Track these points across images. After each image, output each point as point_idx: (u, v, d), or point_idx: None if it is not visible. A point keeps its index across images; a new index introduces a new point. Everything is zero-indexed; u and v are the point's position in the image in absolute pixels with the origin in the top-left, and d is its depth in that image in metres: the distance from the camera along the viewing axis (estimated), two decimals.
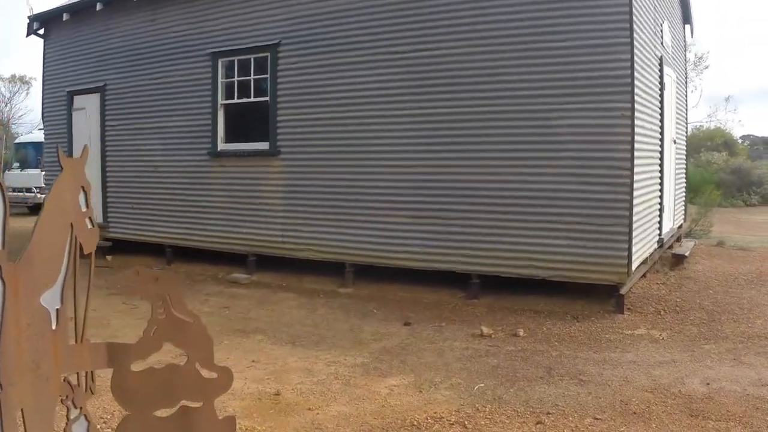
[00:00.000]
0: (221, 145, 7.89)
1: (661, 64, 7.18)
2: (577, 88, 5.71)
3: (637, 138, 5.73)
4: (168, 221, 8.48)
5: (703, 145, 21.46)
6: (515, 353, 4.64)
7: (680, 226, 9.41)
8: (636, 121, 5.68)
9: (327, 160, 6.97)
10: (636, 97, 5.70)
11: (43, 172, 11.90)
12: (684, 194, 10.13)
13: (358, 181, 6.78)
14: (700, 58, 22.11)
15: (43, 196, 12.51)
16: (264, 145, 7.45)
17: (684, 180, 10.20)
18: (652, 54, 6.77)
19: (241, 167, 7.68)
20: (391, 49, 6.55)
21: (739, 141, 26.93)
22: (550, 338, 5.03)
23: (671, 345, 4.92)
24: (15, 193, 16.62)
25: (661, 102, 7.25)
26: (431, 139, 6.37)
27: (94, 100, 9.46)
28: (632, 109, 5.60)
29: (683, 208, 10.02)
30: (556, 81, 5.78)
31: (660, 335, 5.15)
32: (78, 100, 9.77)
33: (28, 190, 15.47)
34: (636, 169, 5.72)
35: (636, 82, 5.69)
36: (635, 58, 5.66)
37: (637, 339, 5.04)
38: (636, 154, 5.73)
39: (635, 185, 5.75)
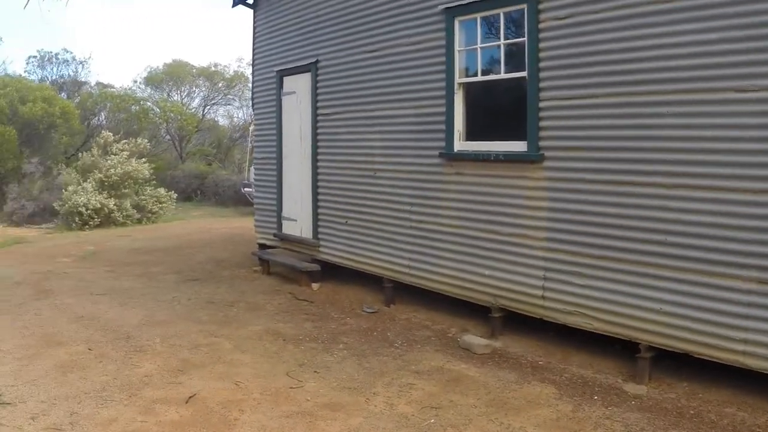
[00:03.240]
0: (459, 144, 6.77)
1: None
2: None
3: None
4: (387, 246, 7.68)
5: None
6: None
7: None
8: None
9: (625, 173, 5.31)
10: None
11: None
12: None
13: (677, 212, 5.07)
14: None
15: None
16: (518, 146, 6.13)
17: None
18: None
19: (486, 177, 6.45)
20: None
21: None
22: None
23: None
24: None
25: None
26: None
27: (304, 81, 9.14)
28: None
29: None
30: None
31: None
32: (288, 82, 9.58)
33: None
34: None
35: None
36: None
37: None
38: None
39: None
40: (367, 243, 8.00)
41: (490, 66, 6.50)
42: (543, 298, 5.92)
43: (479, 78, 6.59)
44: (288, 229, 9.65)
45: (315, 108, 8.87)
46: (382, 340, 6.44)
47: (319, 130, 8.85)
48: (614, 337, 5.50)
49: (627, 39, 5.26)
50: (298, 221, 9.41)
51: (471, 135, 6.70)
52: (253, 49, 10.50)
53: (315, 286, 8.67)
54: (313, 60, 8.84)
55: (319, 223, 8.91)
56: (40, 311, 7.45)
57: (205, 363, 5.70)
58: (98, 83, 29.04)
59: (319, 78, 8.79)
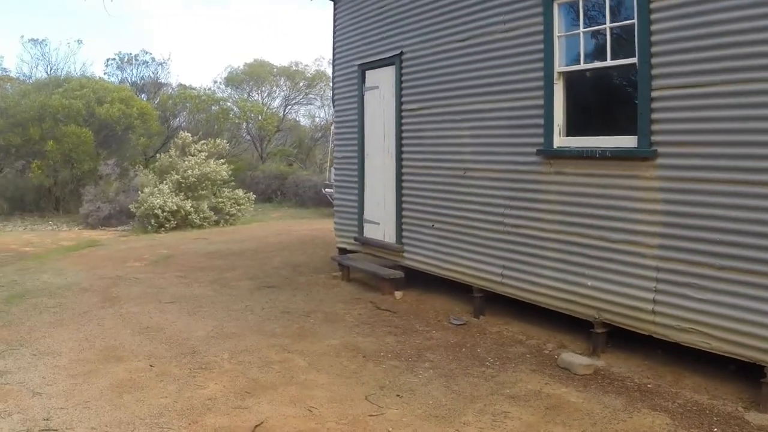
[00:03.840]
0: (559, 140, 6.44)
1: None
2: None
3: None
4: (478, 253, 7.42)
5: None
6: None
7: None
8: None
9: (751, 171, 4.83)
10: None
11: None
12: None
13: None
14: None
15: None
16: (627, 141, 5.75)
17: None
18: None
19: (589, 176, 6.10)
20: None
21: None
22: None
23: None
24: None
25: None
26: None
27: (388, 75, 8.99)
28: None
29: None
30: None
31: None
32: (370, 77, 9.46)
33: None
34: None
35: None
36: None
37: None
38: None
39: None
40: (456, 249, 7.77)
41: (594, 53, 6.17)
42: (653, 312, 5.54)
43: (582, 66, 6.26)
44: (370, 232, 9.53)
45: (399, 103, 8.71)
46: (471, 358, 6.17)
47: (403, 127, 8.69)
48: (729, 357, 5.09)
49: (756, 17, 4.85)
50: (380, 224, 9.28)
51: (572, 130, 6.38)
52: (334, 43, 10.44)
53: (398, 294, 8.50)
54: (397, 52, 8.69)
55: (404, 226, 8.74)
56: (104, 321, 7.48)
57: (276, 384, 5.46)
58: (179, 84, 29.93)
59: (403, 71, 8.63)
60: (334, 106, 10.75)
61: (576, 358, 5.87)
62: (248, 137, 30.35)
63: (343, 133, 10.31)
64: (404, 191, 8.72)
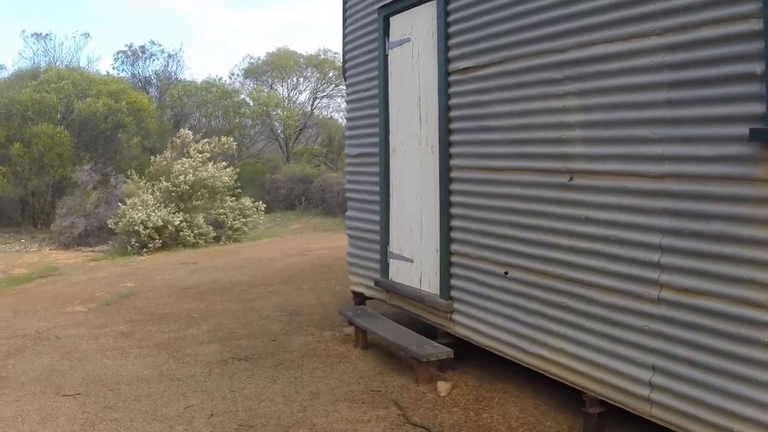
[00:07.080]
0: None
1: None
2: None
3: None
4: (596, 334, 4.04)
5: None
6: None
7: None
8: None
9: None
10: None
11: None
12: None
13: None
14: None
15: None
16: None
17: None
18: None
19: None
20: None
21: None
22: None
23: None
24: None
25: None
26: None
27: (425, 17, 5.67)
28: None
29: None
30: None
31: None
32: (397, 25, 6.16)
33: None
34: None
35: None
36: None
37: None
38: None
39: None
40: (550, 319, 4.40)
41: None
42: None
43: None
44: (399, 274, 6.25)
45: (445, 61, 5.40)
46: None
47: (453, 101, 5.37)
48: None
49: None
50: (414, 263, 5.99)
51: None
52: None
53: (443, 387, 5.15)
54: None
55: (453, 270, 5.43)
56: None
57: None
58: (204, 80, 27.28)
59: (451, 6, 5.32)
60: (344, 78, 7.46)
61: None
62: (264, 134, 27.44)
63: (357, 119, 7.02)
64: (455, 210, 5.41)
